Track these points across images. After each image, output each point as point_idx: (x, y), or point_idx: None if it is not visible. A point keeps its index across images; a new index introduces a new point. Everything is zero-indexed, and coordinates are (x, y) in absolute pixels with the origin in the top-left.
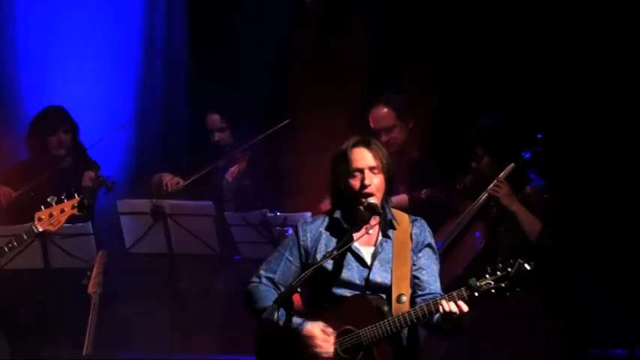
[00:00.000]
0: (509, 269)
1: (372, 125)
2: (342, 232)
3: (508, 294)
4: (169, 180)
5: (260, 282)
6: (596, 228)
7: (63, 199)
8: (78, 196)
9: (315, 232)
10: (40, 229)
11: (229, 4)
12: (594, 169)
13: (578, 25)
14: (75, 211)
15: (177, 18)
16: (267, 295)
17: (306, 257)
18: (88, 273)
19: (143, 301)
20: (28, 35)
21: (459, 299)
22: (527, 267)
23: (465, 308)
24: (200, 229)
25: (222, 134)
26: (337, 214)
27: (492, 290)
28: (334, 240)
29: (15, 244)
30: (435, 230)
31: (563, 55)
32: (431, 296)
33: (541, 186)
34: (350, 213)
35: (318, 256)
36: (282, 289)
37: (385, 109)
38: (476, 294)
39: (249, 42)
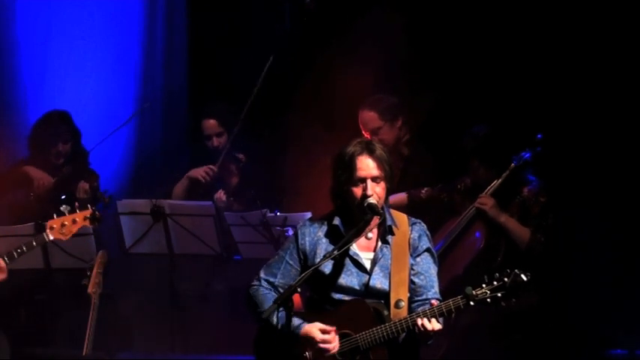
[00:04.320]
0: (506, 279)
1: (361, 129)
2: (342, 239)
3: (503, 303)
4: (204, 171)
5: (260, 285)
6: (595, 225)
7: (76, 210)
8: (91, 208)
9: (313, 237)
10: (52, 238)
11: (229, 4)
12: (592, 169)
13: (576, 26)
14: (87, 223)
15: (177, 18)
16: (268, 299)
17: (305, 260)
18: (88, 273)
19: (143, 301)
20: (28, 35)
21: (454, 307)
22: (524, 278)
23: (434, 329)
24: (200, 229)
25: (220, 139)
26: (336, 221)
27: (488, 300)
28: (333, 246)
29: (25, 249)
30: (435, 230)
31: (561, 56)
32: (428, 301)
33: (537, 188)
34: (349, 218)
35: (316, 261)
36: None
37: (370, 112)
38: (472, 303)
39: (249, 42)
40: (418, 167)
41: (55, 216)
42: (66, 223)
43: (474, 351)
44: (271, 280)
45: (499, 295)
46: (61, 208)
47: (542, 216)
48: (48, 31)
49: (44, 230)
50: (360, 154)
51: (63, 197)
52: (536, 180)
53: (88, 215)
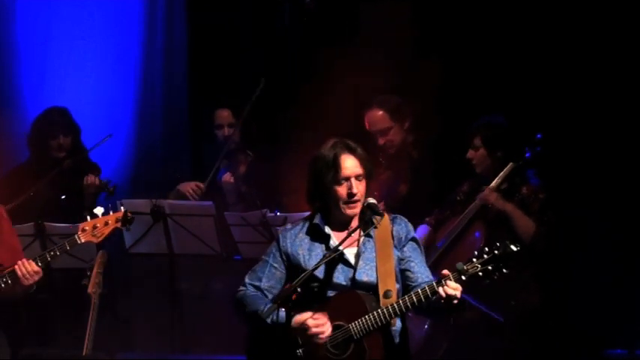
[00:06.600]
0: (496, 252)
1: (367, 128)
2: (323, 237)
3: (495, 276)
4: (191, 188)
5: (247, 290)
6: (595, 225)
7: (109, 212)
8: (123, 210)
9: (294, 238)
10: (83, 240)
11: (229, 4)
12: (593, 169)
13: (578, 25)
14: (119, 225)
15: (177, 18)
16: (256, 300)
17: (289, 262)
18: (88, 273)
19: (143, 301)
20: (28, 35)
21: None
22: (514, 248)
23: (460, 288)
24: (200, 229)
25: (231, 130)
26: (317, 220)
27: (480, 273)
28: (316, 244)
29: (57, 252)
30: (434, 230)
31: (562, 56)
32: (425, 285)
33: (537, 185)
34: (330, 217)
35: (301, 259)
36: (269, 296)
37: (380, 112)
38: (463, 277)
39: (249, 42)
40: (429, 171)
41: (88, 218)
42: (98, 225)
43: (474, 350)
44: (257, 284)
45: (490, 267)
46: (95, 211)
47: (542, 212)
48: (48, 31)
49: (44, 230)
50: (343, 153)
51: (63, 197)
52: (535, 178)
53: (120, 217)
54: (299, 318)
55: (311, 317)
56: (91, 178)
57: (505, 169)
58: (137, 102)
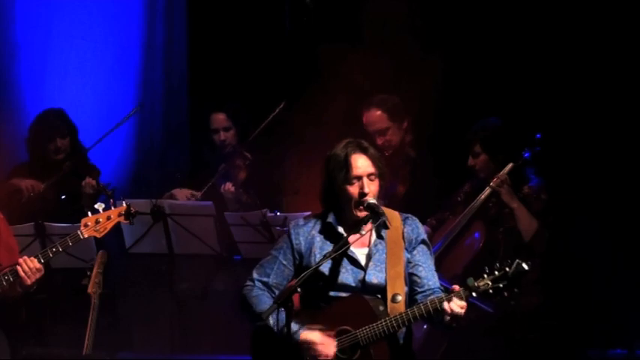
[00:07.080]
0: (507, 269)
1: (365, 128)
2: (336, 236)
3: (506, 294)
4: (185, 196)
5: (254, 286)
6: (595, 226)
7: (110, 206)
8: (125, 204)
9: (307, 236)
10: (86, 236)
11: (229, 4)
12: (593, 169)
13: (578, 25)
14: (122, 219)
15: (177, 18)
16: (262, 299)
17: (300, 260)
18: (88, 273)
19: (143, 301)
20: (28, 35)
21: (458, 299)
22: (525, 267)
23: (466, 306)
24: (200, 229)
25: (227, 134)
26: (330, 219)
27: (490, 290)
28: (328, 243)
29: (60, 248)
30: (434, 230)
31: (561, 55)
32: (430, 292)
33: (539, 186)
34: (343, 217)
35: (312, 259)
36: (277, 292)
37: (378, 112)
38: (474, 294)
39: (249, 42)
40: (427, 171)
41: (89, 214)
42: (100, 220)
43: (473, 350)
44: (265, 280)
45: (501, 285)
46: (96, 206)
47: (545, 213)
48: (48, 31)
49: (44, 230)
50: (355, 152)
51: (63, 197)
52: (537, 178)
53: (123, 211)
54: (307, 335)
55: (320, 334)
56: (89, 181)
57: (505, 169)
58: (137, 102)
